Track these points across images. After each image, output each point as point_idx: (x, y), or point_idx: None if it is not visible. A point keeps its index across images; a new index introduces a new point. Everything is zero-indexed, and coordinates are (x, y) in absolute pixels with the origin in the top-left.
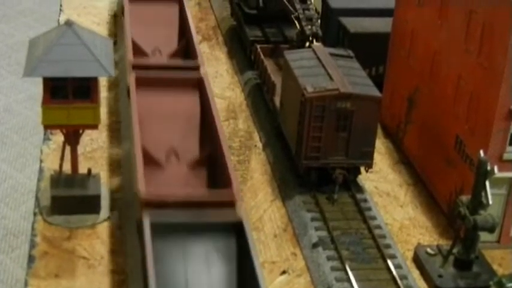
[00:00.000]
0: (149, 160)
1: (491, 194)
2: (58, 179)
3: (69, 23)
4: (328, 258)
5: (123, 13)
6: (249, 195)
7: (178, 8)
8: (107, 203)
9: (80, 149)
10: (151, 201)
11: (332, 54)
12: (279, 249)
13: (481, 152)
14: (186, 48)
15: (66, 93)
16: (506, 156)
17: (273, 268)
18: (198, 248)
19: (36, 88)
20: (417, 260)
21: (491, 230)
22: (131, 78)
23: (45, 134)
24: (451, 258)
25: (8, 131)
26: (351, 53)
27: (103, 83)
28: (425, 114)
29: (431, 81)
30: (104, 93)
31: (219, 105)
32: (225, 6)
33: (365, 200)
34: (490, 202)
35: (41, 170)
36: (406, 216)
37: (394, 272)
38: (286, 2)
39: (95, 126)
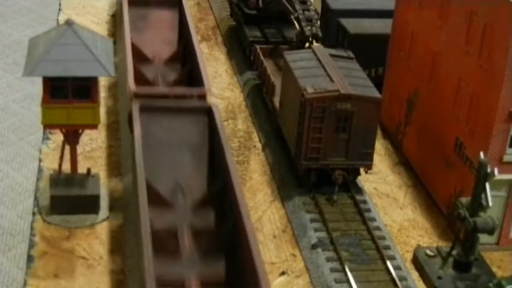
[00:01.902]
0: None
1: (491, 196)
2: (57, 179)
3: (69, 23)
4: (328, 259)
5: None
6: (248, 195)
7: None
8: (106, 203)
9: (79, 148)
10: None
11: (332, 55)
12: (278, 250)
13: (481, 154)
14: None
15: (66, 93)
16: (506, 158)
17: (272, 269)
18: None
19: (33, 87)
20: (416, 262)
21: (491, 232)
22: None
23: (44, 133)
24: (451, 260)
25: (5, 130)
26: (350, 54)
27: (102, 82)
28: (425, 115)
29: (431, 83)
30: (103, 93)
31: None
32: (225, 7)
33: (364, 201)
34: (490, 204)
35: (40, 170)
36: (405, 218)
37: (394, 274)
38: (286, 3)
39: (94, 126)
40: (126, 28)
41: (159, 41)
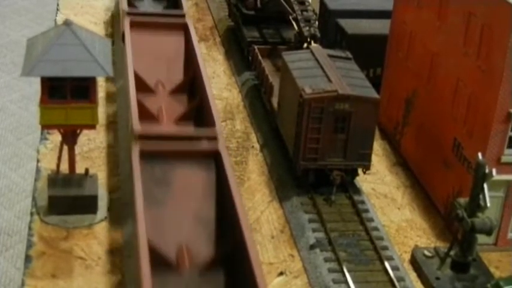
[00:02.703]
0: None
1: (489, 196)
2: (55, 179)
3: (67, 23)
4: (326, 260)
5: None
6: (246, 196)
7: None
8: (104, 203)
9: (77, 149)
10: None
11: (330, 56)
12: (277, 251)
13: (479, 155)
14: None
15: (64, 93)
16: (504, 158)
17: (271, 269)
18: None
19: (30, 88)
20: (414, 262)
21: (489, 232)
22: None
23: (42, 133)
24: (449, 260)
25: (2, 130)
26: (349, 54)
27: (100, 83)
28: (423, 116)
29: (430, 84)
30: (101, 93)
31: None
32: (223, 7)
33: (362, 202)
34: (488, 205)
35: (38, 170)
36: (403, 218)
37: (392, 274)
38: (284, 3)
39: (92, 127)
40: (139, 204)
41: (190, 219)
